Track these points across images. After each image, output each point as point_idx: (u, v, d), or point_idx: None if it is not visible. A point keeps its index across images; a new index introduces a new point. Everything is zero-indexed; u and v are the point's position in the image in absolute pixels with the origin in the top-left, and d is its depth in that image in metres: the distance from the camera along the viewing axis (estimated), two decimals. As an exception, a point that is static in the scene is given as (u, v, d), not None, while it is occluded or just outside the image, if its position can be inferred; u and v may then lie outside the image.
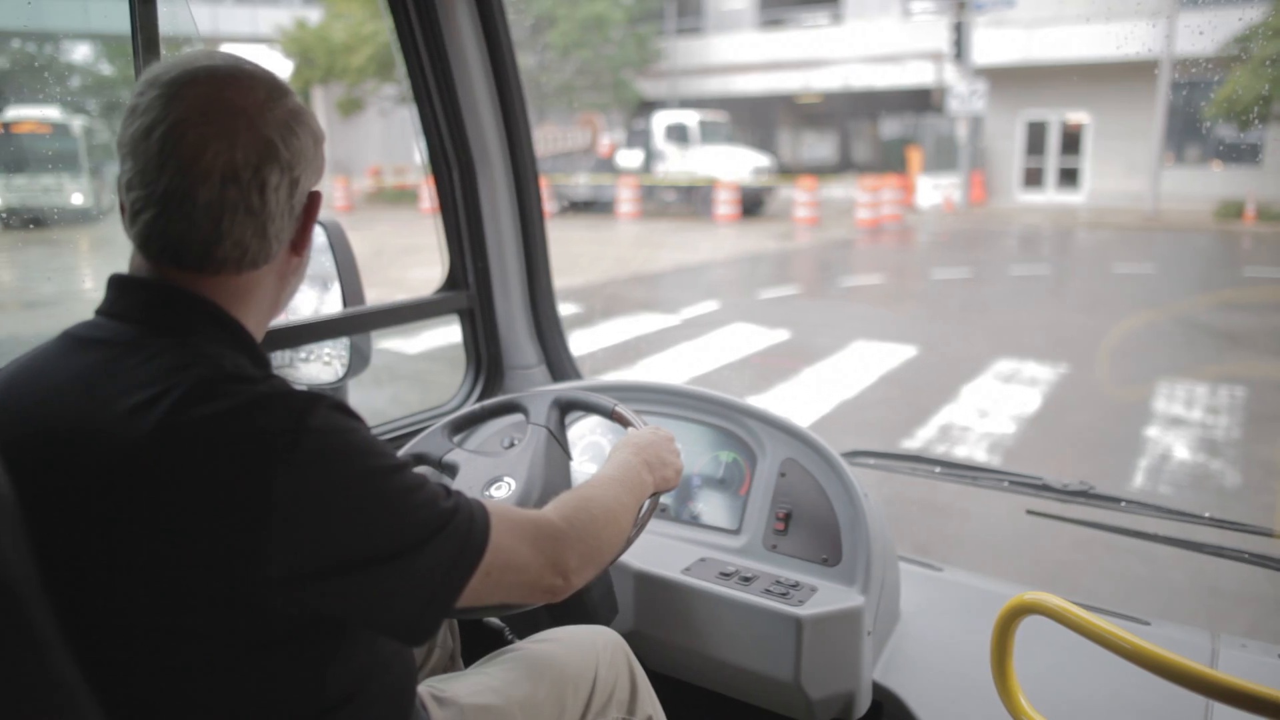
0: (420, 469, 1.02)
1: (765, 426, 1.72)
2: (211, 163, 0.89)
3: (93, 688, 0.73)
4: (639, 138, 23.04)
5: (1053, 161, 25.27)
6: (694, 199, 20.90)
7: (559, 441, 1.52)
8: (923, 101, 26.07)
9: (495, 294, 2.24)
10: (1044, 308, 10.65)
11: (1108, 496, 1.75)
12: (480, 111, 2.10)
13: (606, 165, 22.46)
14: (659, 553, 1.64)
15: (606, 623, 1.49)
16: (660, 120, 22.86)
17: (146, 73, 0.94)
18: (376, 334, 2.01)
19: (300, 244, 1.02)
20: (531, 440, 1.51)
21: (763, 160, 22.23)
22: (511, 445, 1.67)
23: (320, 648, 0.91)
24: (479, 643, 1.60)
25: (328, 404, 0.90)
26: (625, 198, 20.11)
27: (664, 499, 1.76)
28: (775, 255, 15.96)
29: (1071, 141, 25.00)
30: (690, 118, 22.88)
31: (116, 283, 0.96)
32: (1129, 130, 21.45)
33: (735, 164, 21.38)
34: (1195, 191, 21.02)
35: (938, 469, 1.92)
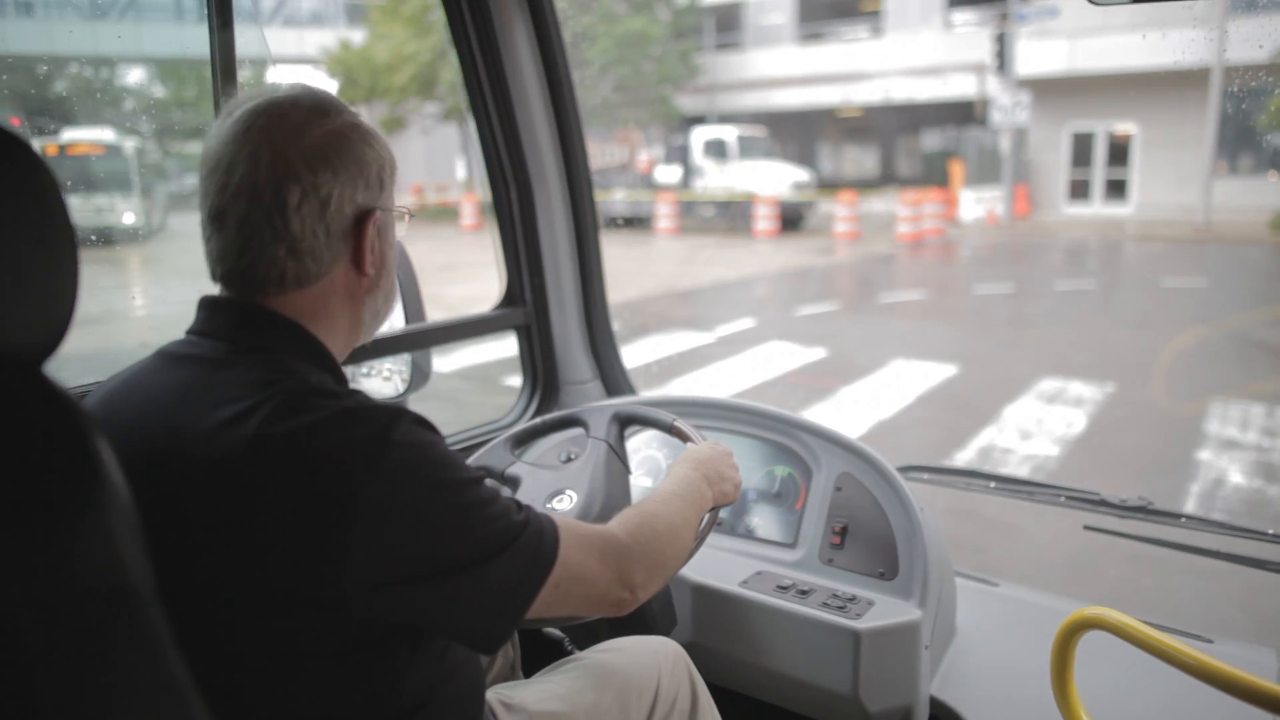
0: (488, 482, 1.06)
1: (820, 441, 1.74)
2: (239, 185, 0.95)
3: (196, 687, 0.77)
4: (677, 153, 23.08)
5: (1099, 173, 24.71)
6: (732, 214, 20.84)
7: (618, 455, 1.54)
8: (965, 114, 25.76)
9: (551, 310, 2.28)
10: (1090, 324, 10.41)
11: (1167, 512, 1.74)
12: (537, 129, 2.15)
13: (645, 181, 22.52)
14: (716, 565, 1.66)
15: (666, 633, 1.51)
16: (699, 136, 22.87)
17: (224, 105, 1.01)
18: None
19: (361, 263, 1.03)
20: (592, 454, 1.54)
21: (802, 175, 22.11)
22: (570, 459, 1.72)
23: (397, 654, 0.94)
24: (539, 653, 1.63)
25: (410, 418, 0.93)
26: (664, 214, 20.05)
27: (721, 513, 1.79)
28: (814, 271, 15.84)
29: (1119, 153, 24.52)
30: (729, 133, 22.88)
31: (206, 303, 1.01)
32: (1178, 141, 20.95)
33: (774, 179, 21.28)
34: (1249, 202, 20.53)
35: (993, 484, 1.92)
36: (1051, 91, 23.42)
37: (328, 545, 0.85)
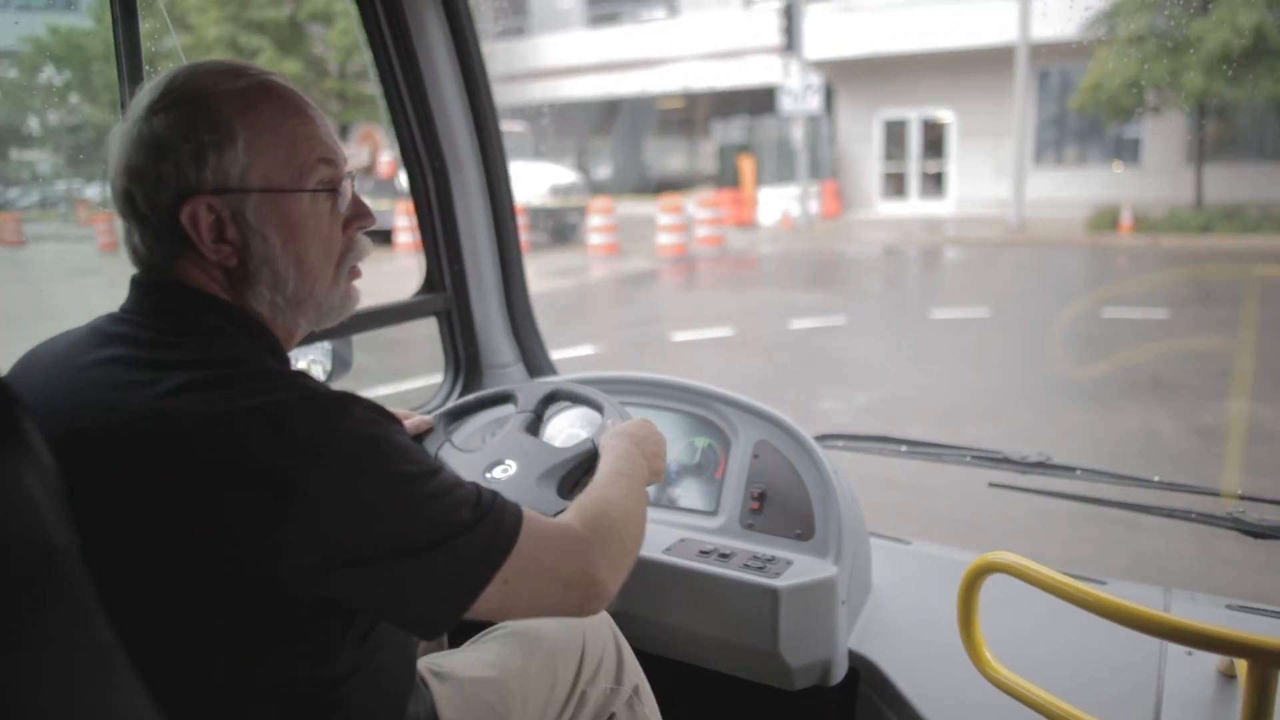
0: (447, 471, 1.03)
1: (738, 411, 1.79)
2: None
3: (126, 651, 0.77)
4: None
5: (914, 166, 22.07)
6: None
7: (535, 428, 1.55)
8: (767, 102, 21.24)
9: (471, 295, 2.29)
10: (787, 397, 6.69)
11: (1064, 466, 1.84)
12: (450, 114, 2.16)
13: (388, 187, 17.12)
14: None
15: None
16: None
17: None
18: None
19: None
20: (514, 424, 1.54)
21: (565, 177, 17.83)
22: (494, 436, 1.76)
23: (330, 628, 0.95)
24: (465, 624, 1.65)
25: (361, 405, 0.92)
26: (403, 225, 14.16)
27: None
28: (537, 297, 11.12)
29: (935, 143, 21.86)
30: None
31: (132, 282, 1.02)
32: (997, 128, 18.57)
33: (528, 182, 16.73)
34: (1073, 196, 18.63)
35: (903, 448, 2.00)
36: (860, 74, 21.36)
37: (265, 532, 0.84)
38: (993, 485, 1.93)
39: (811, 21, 18.99)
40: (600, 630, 1.41)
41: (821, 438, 2.00)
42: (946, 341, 8.77)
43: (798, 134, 19.17)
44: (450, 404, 1.68)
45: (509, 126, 19.63)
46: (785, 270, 15.34)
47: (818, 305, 10.90)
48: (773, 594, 1.50)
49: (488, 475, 1.46)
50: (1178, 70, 14.54)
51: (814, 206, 20.45)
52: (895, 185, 22.56)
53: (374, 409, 0.94)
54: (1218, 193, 16.50)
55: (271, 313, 1.04)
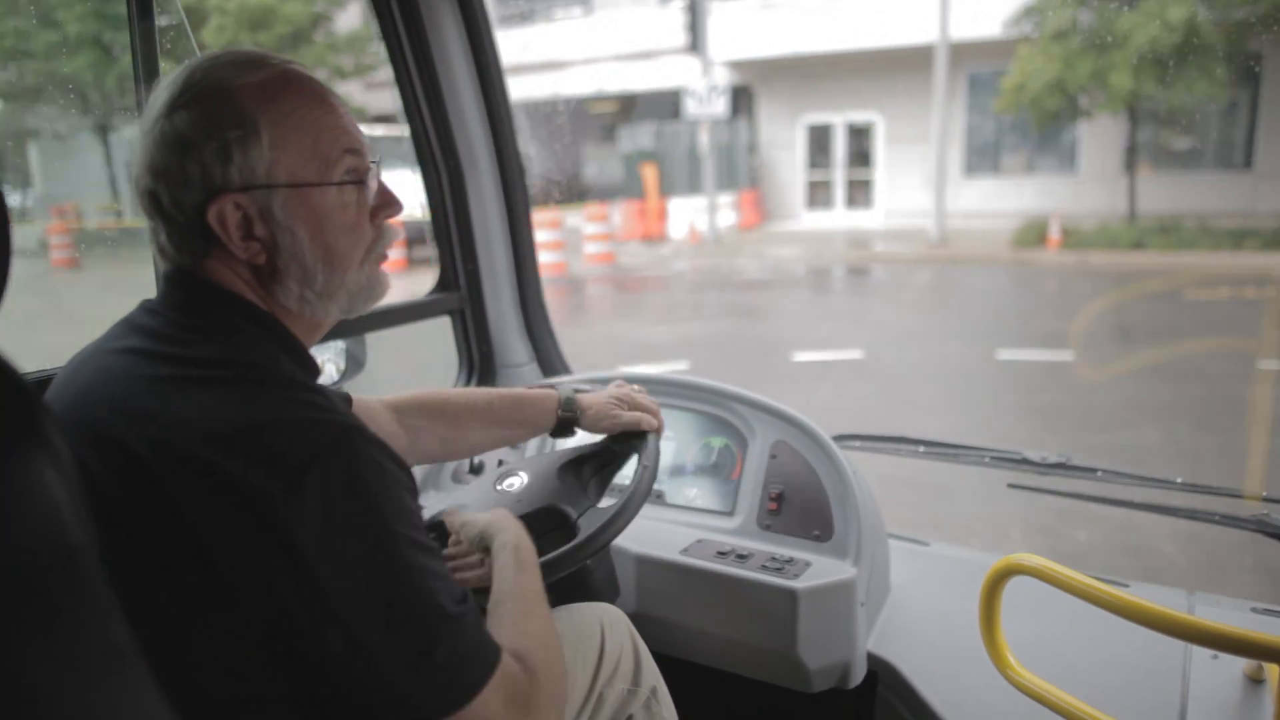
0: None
1: (755, 411, 1.78)
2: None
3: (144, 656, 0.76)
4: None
5: (840, 174, 20.37)
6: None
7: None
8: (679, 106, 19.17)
9: (485, 294, 2.29)
10: None
11: (1084, 468, 1.82)
12: (466, 113, 2.15)
13: None
14: (657, 536, 1.69)
15: (610, 603, 1.54)
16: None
17: None
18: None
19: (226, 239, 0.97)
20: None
21: None
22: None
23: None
24: None
25: (360, 441, 0.88)
26: None
27: (659, 485, 1.82)
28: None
29: (862, 150, 20.20)
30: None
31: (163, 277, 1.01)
32: (928, 134, 16.71)
33: (417, 192, 15.16)
34: (1007, 206, 17.47)
35: (921, 448, 1.99)
36: (782, 76, 19.82)
37: (249, 550, 0.83)
38: (1011, 486, 1.91)
39: (729, 19, 17.95)
40: (617, 631, 1.40)
41: (839, 438, 1.99)
42: (794, 398, 7.01)
43: (704, 140, 17.78)
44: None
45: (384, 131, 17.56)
46: (659, 295, 13.46)
47: (660, 345, 9.20)
48: (791, 595, 1.48)
49: (499, 488, 1.46)
50: (1103, 70, 13.48)
51: (730, 218, 19.15)
52: (820, 195, 20.80)
53: (378, 446, 0.90)
54: (1157, 204, 15.47)
55: (300, 306, 1.03)
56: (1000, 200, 18.12)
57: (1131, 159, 15.83)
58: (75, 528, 0.63)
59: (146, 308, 1.00)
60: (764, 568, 1.56)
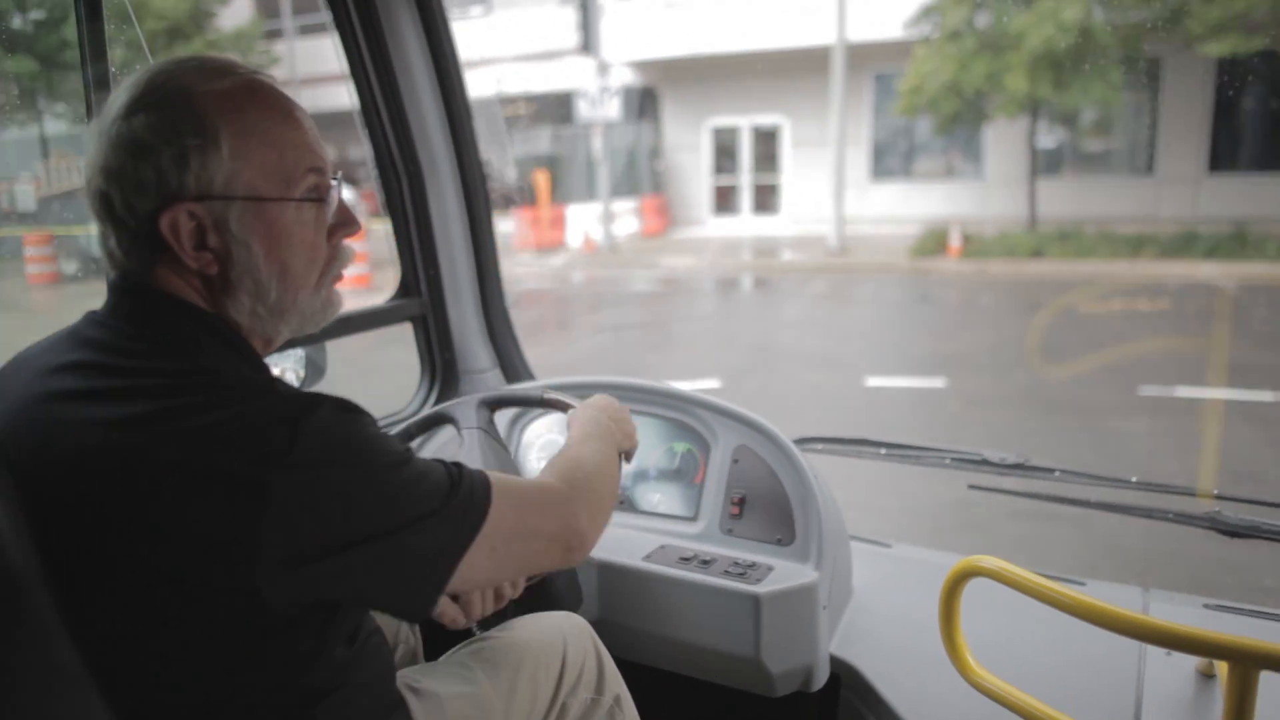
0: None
1: (717, 416, 1.78)
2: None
3: (91, 674, 0.75)
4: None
5: (746, 179, 19.89)
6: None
7: (495, 439, 1.54)
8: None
9: (447, 299, 2.27)
10: None
11: (1042, 468, 1.84)
12: (426, 118, 2.14)
13: None
14: (620, 543, 1.69)
15: (573, 610, 1.53)
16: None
17: None
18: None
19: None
20: (467, 445, 1.52)
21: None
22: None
23: (302, 641, 0.93)
24: (440, 639, 1.63)
25: (330, 404, 0.91)
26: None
27: (621, 489, 1.82)
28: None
29: (768, 153, 19.62)
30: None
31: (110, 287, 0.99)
32: (832, 138, 16.21)
33: None
34: (914, 212, 17.03)
35: (883, 450, 2.00)
36: (687, 78, 19.16)
37: (238, 537, 0.83)
38: (972, 487, 1.93)
39: (632, 19, 17.32)
40: (580, 640, 1.40)
41: (801, 441, 2.00)
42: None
43: (597, 144, 17.10)
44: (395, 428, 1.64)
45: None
46: (529, 311, 12.19)
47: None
48: (754, 600, 1.49)
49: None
50: (998, 72, 13.22)
51: (633, 225, 18.55)
52: (727, 200, 20.17)
53: (342, 405, 0.93)
54: (1062, 209, 15.14)
55: (251, 321, 1.01)
56: (909, 206, 17.67)
57: (1033, 163, 15.48)
58: (16, 552, 0.62)
59: (93, 319, 0.98)
60: (727, 573, 1.56)
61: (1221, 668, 1.42)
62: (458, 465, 1.00)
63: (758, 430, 1.73)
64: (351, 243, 1.10)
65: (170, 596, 0.85)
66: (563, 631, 1.38)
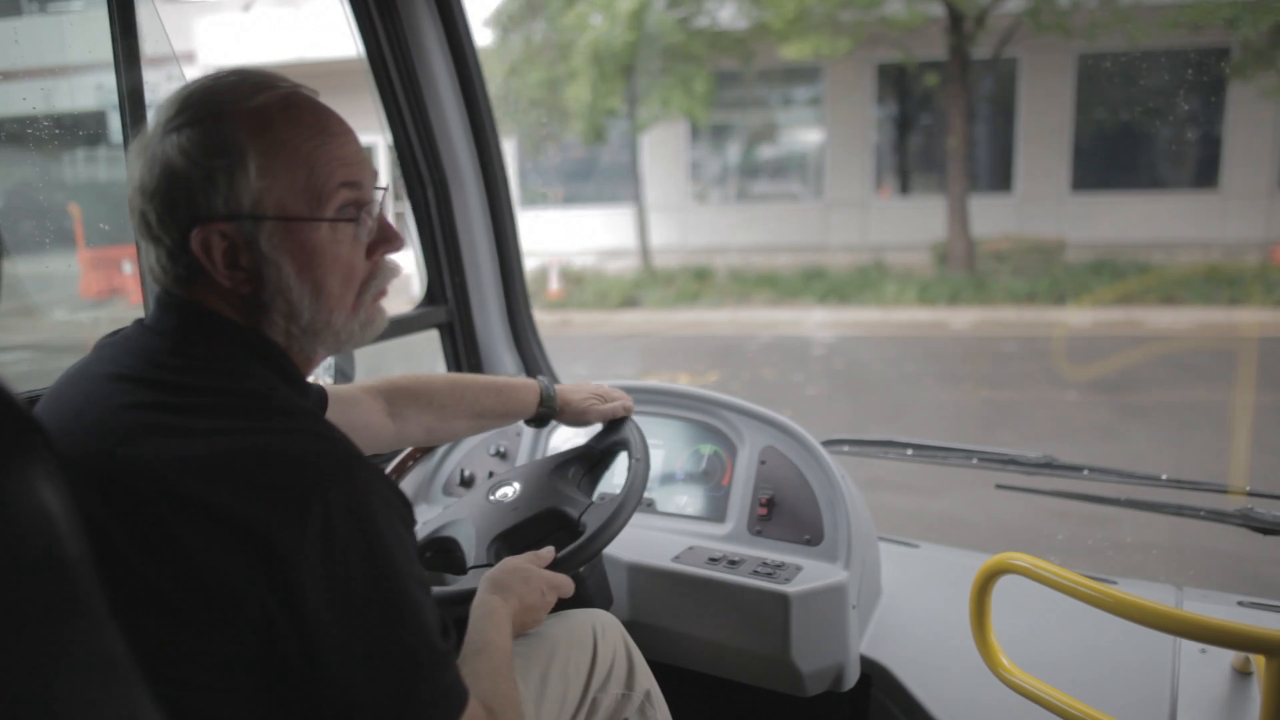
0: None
1: (743, 418, 1.79)
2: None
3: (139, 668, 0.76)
4: None
5: None
6: None
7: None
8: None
9: (473, 307, 2.29)
10: None
11: (1070, 466, 1.83)
12: (451, 128, 2.16)
13: None
14: (648, 544, 1.70)
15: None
16: None
17: None
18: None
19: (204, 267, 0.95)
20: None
21: None
22: (500, 453, 1.94)
23: None
24: None
25: (363, 473, 0.88)
26: None
27: (649, 494, 1.83)
28: None
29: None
30: None
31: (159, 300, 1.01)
32: None
33: None
34: (561, 244, 13.71)
35: (909, 451, 2.00)
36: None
37: (246, 582, 0.83)
38: (999, 487, 1.92)
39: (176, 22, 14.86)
40: (610, 635, 1.41)
41: (828, 443, 2.00)
42: None
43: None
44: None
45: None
46: None
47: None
48: (783, 600, 1.49)
49: (491, 499, 1.48)
50: (558, 79, 10.83)
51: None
52: None
53: (379, 478, 0.90)
54: (726, 238, 13.10)
55: (287, 341, 1.01)
56: (551, 237, 14.25)
57: (637, 190, 12.95)
58: (69, 540, 0.64)
59: (146, 327, 1.00)
60: (755, 573, 1.56)
61: (1259, 664, 1.42)
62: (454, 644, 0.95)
63: (785, 431, 1.74)
64: (395, 258, 1.07)
65: (192, 618, 0.84)
66: (593, 627, 1.39)
